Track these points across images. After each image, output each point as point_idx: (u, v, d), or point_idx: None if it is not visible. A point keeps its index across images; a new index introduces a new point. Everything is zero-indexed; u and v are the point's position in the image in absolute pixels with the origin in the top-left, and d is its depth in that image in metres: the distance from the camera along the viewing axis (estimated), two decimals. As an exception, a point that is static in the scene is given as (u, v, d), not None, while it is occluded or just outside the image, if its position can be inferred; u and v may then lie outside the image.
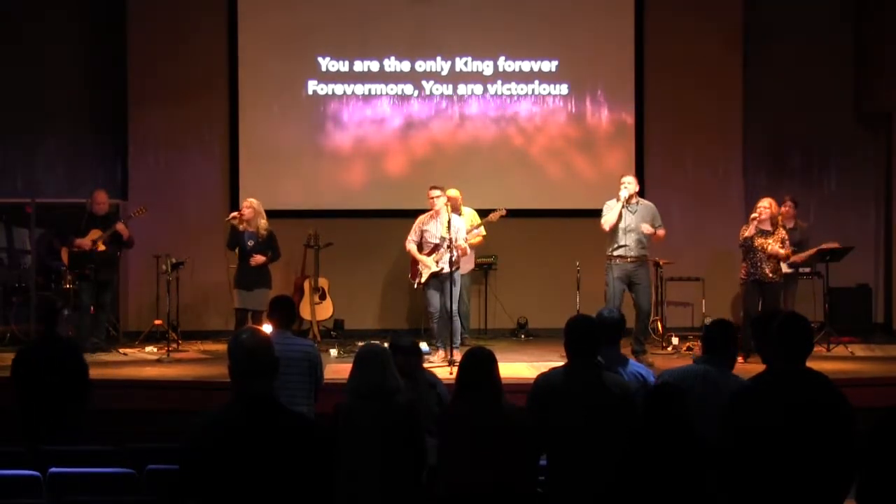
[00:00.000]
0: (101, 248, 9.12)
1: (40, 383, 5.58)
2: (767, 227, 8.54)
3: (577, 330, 4.47)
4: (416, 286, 8.84)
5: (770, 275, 8.49)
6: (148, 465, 4.66)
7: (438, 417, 4.58)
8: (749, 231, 8.50)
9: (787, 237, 8.67)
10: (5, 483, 4.60)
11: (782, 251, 8.57)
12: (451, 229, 8.38)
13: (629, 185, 8.51)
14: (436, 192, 8.59)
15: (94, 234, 9.13)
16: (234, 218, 8.95)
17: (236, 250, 8.96)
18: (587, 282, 9.32)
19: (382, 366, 4.50)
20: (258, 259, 8.74)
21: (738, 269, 8.84)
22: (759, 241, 8.48)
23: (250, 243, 8.80)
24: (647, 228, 8.45)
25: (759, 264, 8.49)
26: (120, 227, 9.19)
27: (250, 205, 8.93)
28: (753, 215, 8.55)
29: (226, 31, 10.81)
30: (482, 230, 9.56)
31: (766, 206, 8.56)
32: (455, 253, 8.36)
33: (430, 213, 8.70)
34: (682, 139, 11.01)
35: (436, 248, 8.51)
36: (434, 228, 8.56)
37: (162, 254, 9.52)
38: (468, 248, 8.92)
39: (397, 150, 10.91)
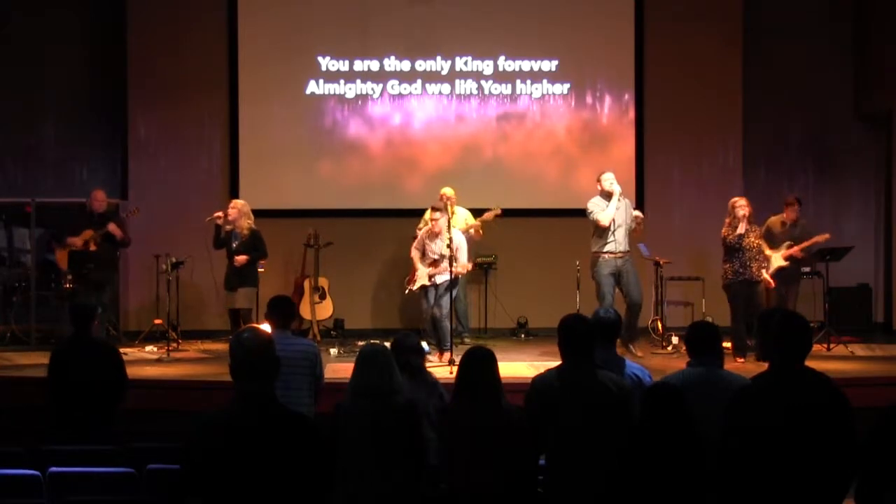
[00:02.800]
0: (93, 247, 9.10)
1: (79, 383, 5.66)
2: (747, 224, 8.54)
3: (571, 330, 4.43)
4: (406, 291, 8.94)
5: (756, 273, 8.50)
6: (148, 464, 4.65)
7: (439, 417, 4.58)
8: (741, 229, 8.44)
9: (760, 234, 8.75)
10: (5, 483, 4.60)
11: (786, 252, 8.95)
12: (451, 247, 8.39)
13: (615, 181, 8.59)
14: (437, 215, 8.59)
15: (87, 234, 9.13)
16: (217, 218, 8.92)
17: (224, 251, 8.94)
18: (587, 281, 9.30)
19: (384, 366, 4.49)
20: (240, 259, 8.72)
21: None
22: (746, 241, 8.47)
23: (235, 244, 8.80)
24: (638, 214, 8.60)
25: (748, 263, 8.47)
26: (112, 227, 9.16)
27: (235, 206, 8.90)
28: (742, 213, 8.47)
29: (226, 30, 10.82)
30: (479, 224, 9.61)
31: (745, 203, 8.55)
32: (456, 269, 8.43)
33: (432, 229, 8.68)
34: (682, 139, 11.01)
35: (436, 262, 8.56)
36: (436, 246, 8.59)
37: (162, 253, 9.53)
38: (470, 266, 8.95)
39: (397, 150, 10.91)
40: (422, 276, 8.63)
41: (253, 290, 8.73)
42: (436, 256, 8.57)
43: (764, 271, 8.66)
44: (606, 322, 4.85)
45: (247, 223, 8.81)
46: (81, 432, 5.45)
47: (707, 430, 3.83)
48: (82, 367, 5.70)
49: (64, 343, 6.17)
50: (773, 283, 8.79)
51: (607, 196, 8.60)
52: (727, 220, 8.55)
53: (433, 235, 8.60)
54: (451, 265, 8.30)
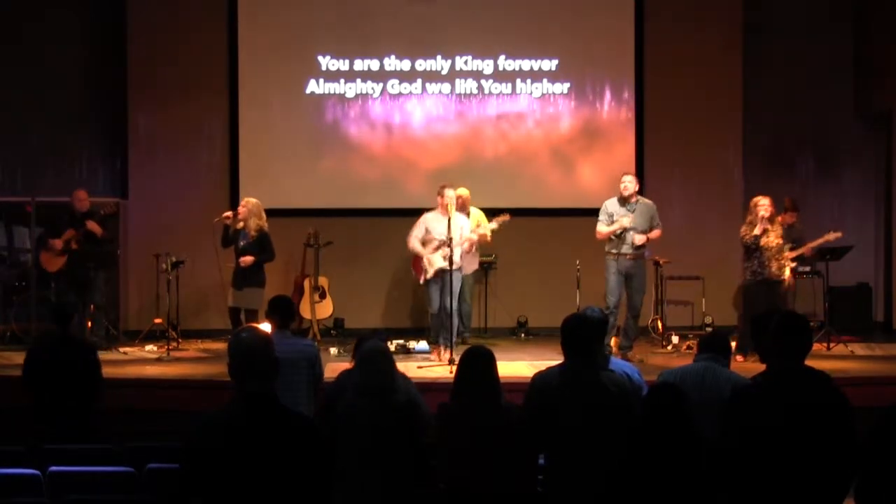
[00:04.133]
0: (74, 246, 9.09)
1: (55, 382, 5.67)
2: (767, 224, 8.52)
3: (573, 329, 4.46)
4: (421, 282, 8.81)
5: (776, 273, 8.49)
6: (148, 464, 4.66)
7: (437, 416, 4.57)
8: (759, 229, 8.43)
9: (781, 231, 8.71)
10: (5, 482, 4.60)
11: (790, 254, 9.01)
12: (454, 228, 8.32)
13: (630, 184, 8.51)
14: (449, 193, 8.50)
15: (69, 234, 9.13)
16: (226, 218, 8.91)
17: (232, 249, 8.94)
18: (587, 281, 9.32)
19: (385, 365, 4.50)
20: (246, 260, 8.71)
21: (737, 268, 8.81)
22: (765, 241, 8.45)
23: (242, 243, 8.79)
24: (639, 239, 8.43)
25: (766, 263, 8.47)
26: (91, 225, 9.11)
27: (246, 204, 8.88)
28: (763, 213, 8.46)
29: (226, 30, 10.81)
30: (488, 233, 9.44)
31: (768, 203, 8.54)
32: (461, 248, 8.34)
33: (437, 210, 8.63)
34: (682, 138, 11.00)
35: (441, 245, 8.45)
36: (441, 226, 8.48)
37: (162, 253, 9.53)
38: (475, 238, 8.84)
39: (397, 149, 10.91)
40: (435, 261, 8.47)
41: (261, 290, 8.70)
42: (442, 237, 8.40)
43: (787, 269, 8.65)
44: (591, 321, 4.87)
45: (256, 223, 8.77)
46: (60, 430, 5.45)
47: (700, 422, 3.85)
48: (57, 364, 5.70)
49: (40, 340, 6.16)
50: (792, 281, 8.94)
51: (622, 200, 8.55)
52: (748, 219, 8.54)
53: (441, 213, 8.49)
54: (451, 247, 8.21)
